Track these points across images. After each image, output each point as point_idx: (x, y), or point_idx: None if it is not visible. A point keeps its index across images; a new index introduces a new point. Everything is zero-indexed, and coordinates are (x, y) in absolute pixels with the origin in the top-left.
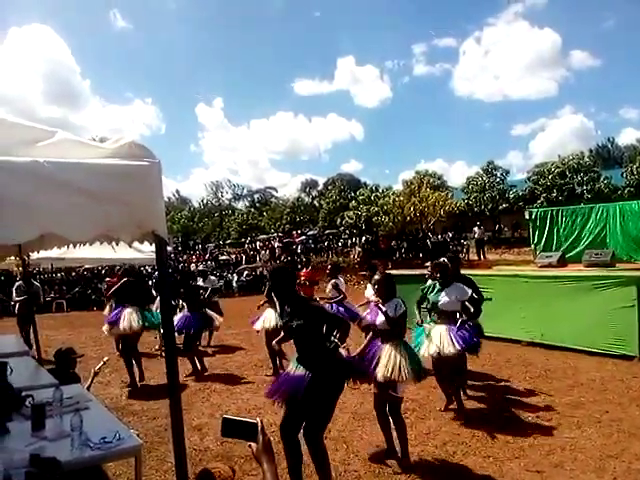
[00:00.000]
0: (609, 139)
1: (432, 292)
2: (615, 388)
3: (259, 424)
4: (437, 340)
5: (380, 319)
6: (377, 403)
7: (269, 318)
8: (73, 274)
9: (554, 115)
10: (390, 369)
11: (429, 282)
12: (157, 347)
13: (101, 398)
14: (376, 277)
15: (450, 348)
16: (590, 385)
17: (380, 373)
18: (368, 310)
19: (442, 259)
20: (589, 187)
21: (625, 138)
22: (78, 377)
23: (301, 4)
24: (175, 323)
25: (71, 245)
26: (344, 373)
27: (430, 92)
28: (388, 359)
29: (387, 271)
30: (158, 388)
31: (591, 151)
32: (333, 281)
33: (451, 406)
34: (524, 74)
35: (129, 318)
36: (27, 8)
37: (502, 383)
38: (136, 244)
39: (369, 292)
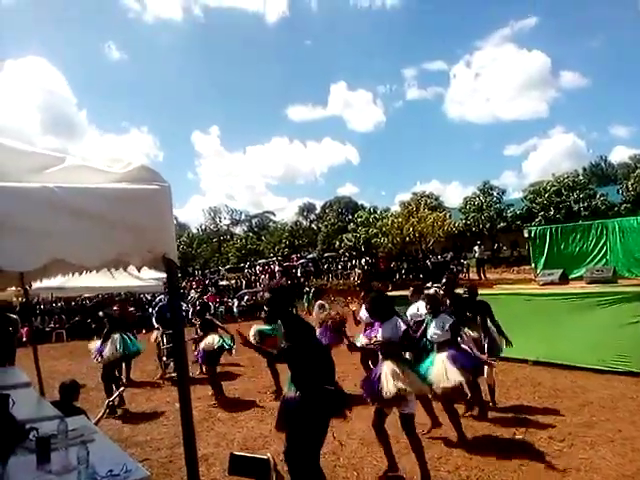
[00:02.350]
0: (602, 157)
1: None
2: (626, 406)
3: (271, 460)
4: (437, 371)
5: (381, 334)
6: (375, 419)
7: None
8: (73, 303)
9: (545, 135)
10: (393, 385)
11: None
12: (159, 376)
13: (103, 429)
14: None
15: (448, 382)
16: (600, 403)
17: (383, 390)
18: (362, 332)
19: (432, 289)
20: (586, 204)
21: (617, 156)
22: (81, 409)
23: (293, 33)
24: (200, 354)
25: (70, 274)
26: (332, 398)
27: (423, 115)
28: (390, 375)
29: (379, 290)
30: (161, 418)
31: (585, 169)
32: (319, 302)
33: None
34: (514, 95)
35: (110, 347)
36: (22, 41)
37: (511, 403)
38: (135, 271)
39: (363, 313)
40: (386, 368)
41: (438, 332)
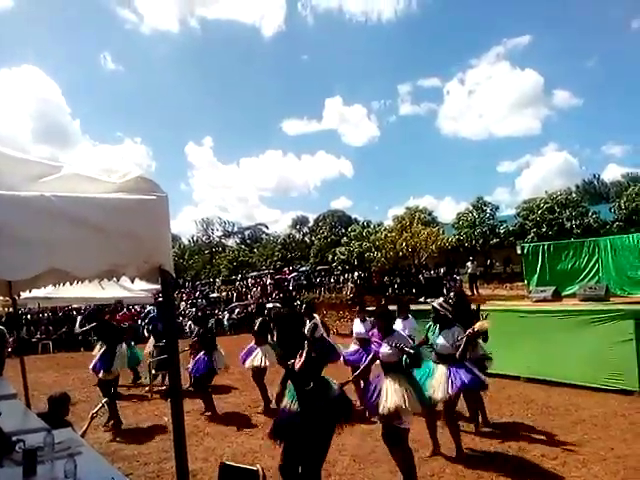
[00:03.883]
0: (595, 175)
1: (432, 333)
2: (618, 424)
3: (260, 471)
4: (437, 383)
5: (383, 350)
6: (384, 436)
7: (257, 356)
8: (60, 314)
9: (539, 152)
10: (393, 402)
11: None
12: (147, 389)
13: (90, 442)
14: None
15: (444, 393)
16: (593, 421)
17: (382, 406)
18: (354, 346)
19: (438, 300)
20: (578, 222)
21: (609, 174)
22: (68, 422)
23: (289, 47)
24: (195, 366)
25: (59, 284)
26: (336, 411)
27: (416, 131)
28: (391, 392)
29: (385, 305)
30: (149, 431)
31: (578, 187)
32: (314, 322)
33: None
34: (508, 113)
35: (119, 360)
36: (17, 50)
37: (504, 420)
38: (125, 282)
39: (357, 327)
40: (387, 384)
41: (447, 344)
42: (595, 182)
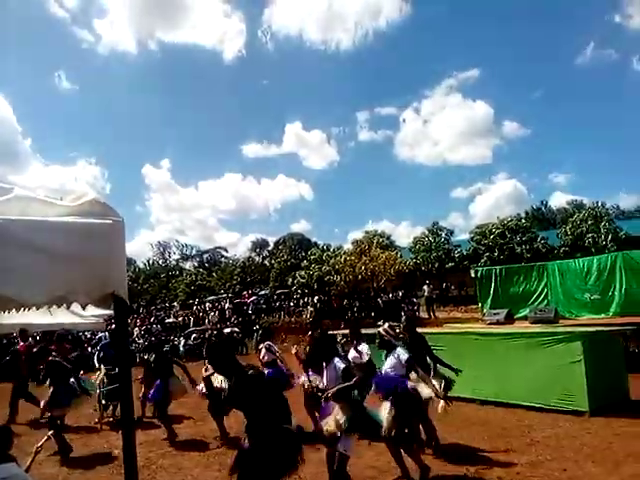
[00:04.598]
0: (542, 202)
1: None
2: (570, 445)
3: None
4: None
5: (325, 378)
6: (328, 464)
7: (217, 379)
8: (4, 341)
9: (490, 180)
10: (332, 422)
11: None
12: (97, 420)
13: (36, 477)
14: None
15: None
16: (546, 443)
17: (324, 427)
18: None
19: (385, 325)
20: (528, 247)
21: (556, 201)
22: (12, 456)
23: (249, 72)
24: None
25: (7, 311)
26: (287, 445)
27: (374, 156)
28: (334, 415)
29: (324, 331)
30: (98, 465)
31: (527, 213)
32: (266, 344)
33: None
34: (461, 142)
35: (68, 395)
36: None
37: (462, 442)
38: (76, 308)
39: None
40: (335, 409)
41: (391, 367)
42: (543, 209)
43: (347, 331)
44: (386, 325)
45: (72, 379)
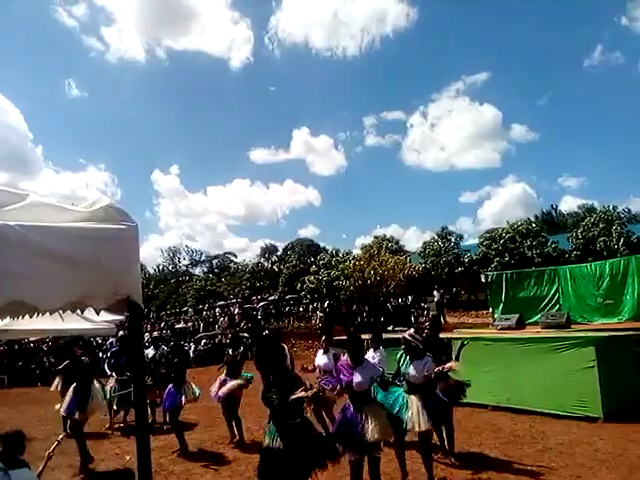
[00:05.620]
0: (552, 206)
1: (403, 363)
2: (584, 451)
3: None
4: (411, 414)
5: (356, 380)
6: (353, 472)
7: (226, 385)
8: (16, 347)
9: (498, 184)
10: (379, 429)
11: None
12: (107, 426)
13: None
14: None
15: (422, 425)
16: (559, 449)
17: (370, 434)
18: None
19: (409, 331)
20: (538, 251)
21: (565, 205)
22: (25, 462)
23: (257, 79)
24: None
25: (18, 316)
26: (318, 447)
27: (382, 161)
28: (376, 419)
29: (357, 332)
30: (110, 472)
31: (537, 217)
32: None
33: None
34: (468, 146)
35: (95, 398)
36: None
37: (474, 450)
38: (88, 313)
39: (320, 359)
40: (369, 413)
41: (417, 375)
42: (553, 212)
43: (369, 336)
44: (412, 330)
45: (95, 381)
